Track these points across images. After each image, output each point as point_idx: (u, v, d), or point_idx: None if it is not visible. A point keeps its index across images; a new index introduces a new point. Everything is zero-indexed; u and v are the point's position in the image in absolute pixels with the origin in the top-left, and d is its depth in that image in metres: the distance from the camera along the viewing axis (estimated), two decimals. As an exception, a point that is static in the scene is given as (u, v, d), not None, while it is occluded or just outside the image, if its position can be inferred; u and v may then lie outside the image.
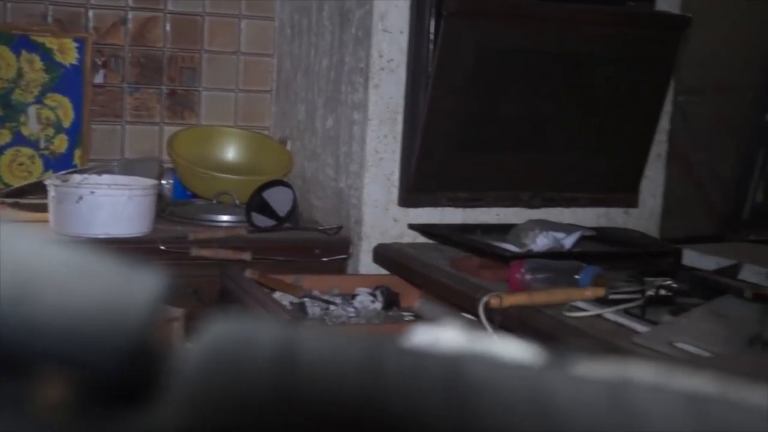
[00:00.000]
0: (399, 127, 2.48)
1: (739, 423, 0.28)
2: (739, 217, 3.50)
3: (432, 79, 2.37)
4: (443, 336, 0.34)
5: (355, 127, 2.53)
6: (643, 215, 2.75)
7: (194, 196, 2.86)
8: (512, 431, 0.27)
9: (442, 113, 2.41)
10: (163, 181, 2.86)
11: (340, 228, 2.58)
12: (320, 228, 2.62)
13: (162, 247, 2.40)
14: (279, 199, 2.63)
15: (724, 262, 2.10)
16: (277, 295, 2.26)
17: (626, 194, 2.71)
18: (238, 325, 0.30)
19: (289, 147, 2.96)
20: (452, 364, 0.30)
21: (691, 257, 2.22)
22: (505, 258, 2.09)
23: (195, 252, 2.40)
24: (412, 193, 2.49)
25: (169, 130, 2.99)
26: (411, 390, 0.29)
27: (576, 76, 2.51)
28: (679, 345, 1.60)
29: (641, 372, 0.31)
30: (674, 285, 1.94)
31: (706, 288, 1.87)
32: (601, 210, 2.69)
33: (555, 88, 2.51)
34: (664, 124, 2.73)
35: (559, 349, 0.32)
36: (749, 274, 2.03)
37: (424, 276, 2.26)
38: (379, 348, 0.30)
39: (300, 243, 2.55)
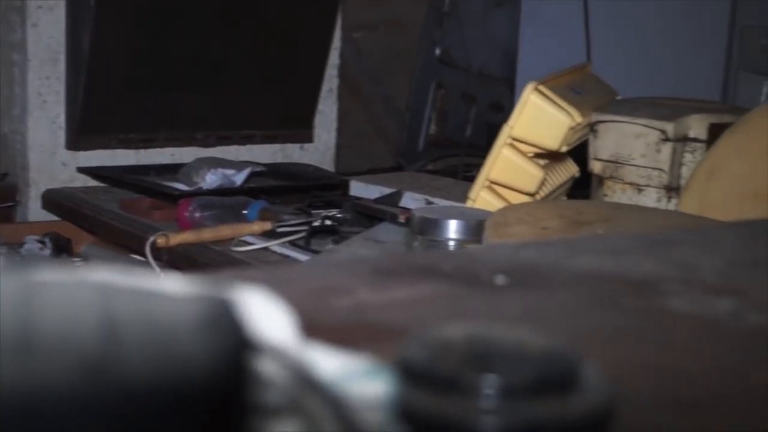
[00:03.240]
0: (62, 68, 2.39)
1: (147, 307, 0.29)
2: (414, 148, 3.65)
3: (94, 16, 2.29)
4: None
5: (15, 69, 2.42)
6: (319, 150, 2.81)
7: None
8: None
9: (107, 52, 2.34)
10: None
11: (5, 175, 2.47)
12: (-17, 176, 2.49)
13: None
14: (-64, 148, 2.47)
15: (387, 191, 2.19)
16: (-66, 248, 2.13)
17: (300, 130, 2.75)
18: None
19: (-52, 92, 2.78)
20: None
21: (358, 188, 2.30)
22: (174, 197, 2.08)
23: None
24: (79, 136, 2.41)
25: None
26: None
27: (243, 12, 2.50)
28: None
29: (88, 275, 0.31)
30: (339, 215, 2.00)
31: (367, 216, 1.94)
32: (277, 146, 2.72)
33: (223, 24, 2.49)
34: (334, 59, 2.79)
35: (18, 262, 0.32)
36: (409, 201, 2.13)
37: (94, 219, 2.21)
38: None
39: (-39, 193, 2.41)
